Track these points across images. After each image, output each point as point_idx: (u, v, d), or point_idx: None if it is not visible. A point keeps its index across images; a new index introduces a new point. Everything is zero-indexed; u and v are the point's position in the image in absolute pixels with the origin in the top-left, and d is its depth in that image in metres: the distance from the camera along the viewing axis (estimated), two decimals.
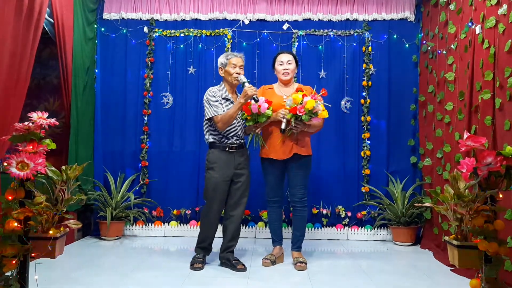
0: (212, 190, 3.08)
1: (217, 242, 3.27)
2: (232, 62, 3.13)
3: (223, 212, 3.29)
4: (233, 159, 3.12)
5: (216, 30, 4.40)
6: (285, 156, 3.13)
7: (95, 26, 4.36)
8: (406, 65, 4.35)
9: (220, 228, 3.24)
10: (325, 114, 3.06)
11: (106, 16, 4.40)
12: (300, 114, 2.97)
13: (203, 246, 3.17)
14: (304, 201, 3.21)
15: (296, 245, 3.26)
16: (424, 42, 4.17)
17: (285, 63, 3.23)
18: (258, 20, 4.40)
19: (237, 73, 3.11)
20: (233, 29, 4.40)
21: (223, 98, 3.12)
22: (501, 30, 2.72)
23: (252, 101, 2.99)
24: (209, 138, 3.15)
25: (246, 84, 3.00)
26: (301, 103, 2.97)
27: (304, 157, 3.17)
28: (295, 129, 3.06)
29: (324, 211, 4.27)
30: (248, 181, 3.21)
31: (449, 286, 2.76)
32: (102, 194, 4.07)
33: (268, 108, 3.08)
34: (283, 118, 3.04)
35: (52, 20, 3.50)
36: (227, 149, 3.10)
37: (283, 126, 3.04)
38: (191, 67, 4.39)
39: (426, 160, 3.98)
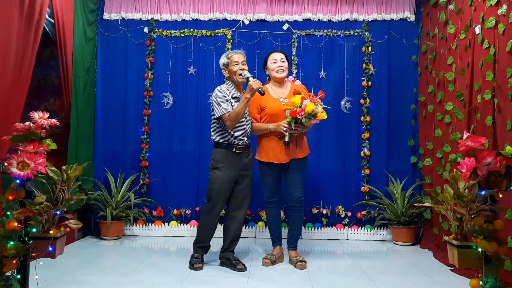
0: (217, 190, 3.05)
1: (216, 242, 3.27)
2: (234, 60, 3.09)
3: (222, 211, 3.28)
4: (239, 160, 3.10)
5: (216, 31, 4.40)
6: (285, 160, 3.15)
7: (96, 26, 4.36)
8: (406, 65, 4.35)
9: (220, 228, 3.23)
10: (323, 115, 3.07)
11: (106, 16, 4.40)
12: (300, 117, 2.98)
13: (202, 246, 3.16)
14: (302, 201, 3.22)
15: (293, 244, 3.28)
16: (424, 42, 4.17)
17: (278, 61, 3.22)
18: (258, 20, 4.40)
19: (240, 69, 3.07)
20: (233, 29, 4.40)
21: (233, 97, 3.09)
22: (501, 30, 2.72)
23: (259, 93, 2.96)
24: (216, 137, 3.12)
25: (251, 79, 2.97)
26: (300, 107, 2.98)
27: (302, 158, 3.20)
28: (295, 132, 3.07)
29: (324, 211, 4.27)
30: (251, 183, 3.20)
31: (449, 286, 2.76)
32: (102, 194, 4.07)
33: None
34: (286, 131, 3.05)
35: (52, 20, 3.50)
36: (234, 150, 3.08)
37: (286, 139, 3.06)
38: (191, 67, 4.39)
39: (426, 160, 3.98)
